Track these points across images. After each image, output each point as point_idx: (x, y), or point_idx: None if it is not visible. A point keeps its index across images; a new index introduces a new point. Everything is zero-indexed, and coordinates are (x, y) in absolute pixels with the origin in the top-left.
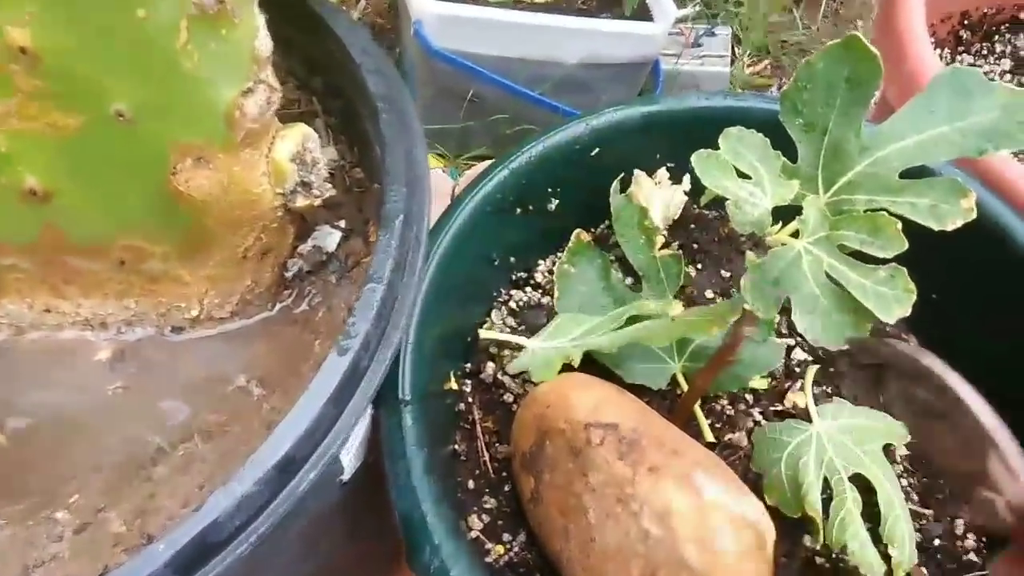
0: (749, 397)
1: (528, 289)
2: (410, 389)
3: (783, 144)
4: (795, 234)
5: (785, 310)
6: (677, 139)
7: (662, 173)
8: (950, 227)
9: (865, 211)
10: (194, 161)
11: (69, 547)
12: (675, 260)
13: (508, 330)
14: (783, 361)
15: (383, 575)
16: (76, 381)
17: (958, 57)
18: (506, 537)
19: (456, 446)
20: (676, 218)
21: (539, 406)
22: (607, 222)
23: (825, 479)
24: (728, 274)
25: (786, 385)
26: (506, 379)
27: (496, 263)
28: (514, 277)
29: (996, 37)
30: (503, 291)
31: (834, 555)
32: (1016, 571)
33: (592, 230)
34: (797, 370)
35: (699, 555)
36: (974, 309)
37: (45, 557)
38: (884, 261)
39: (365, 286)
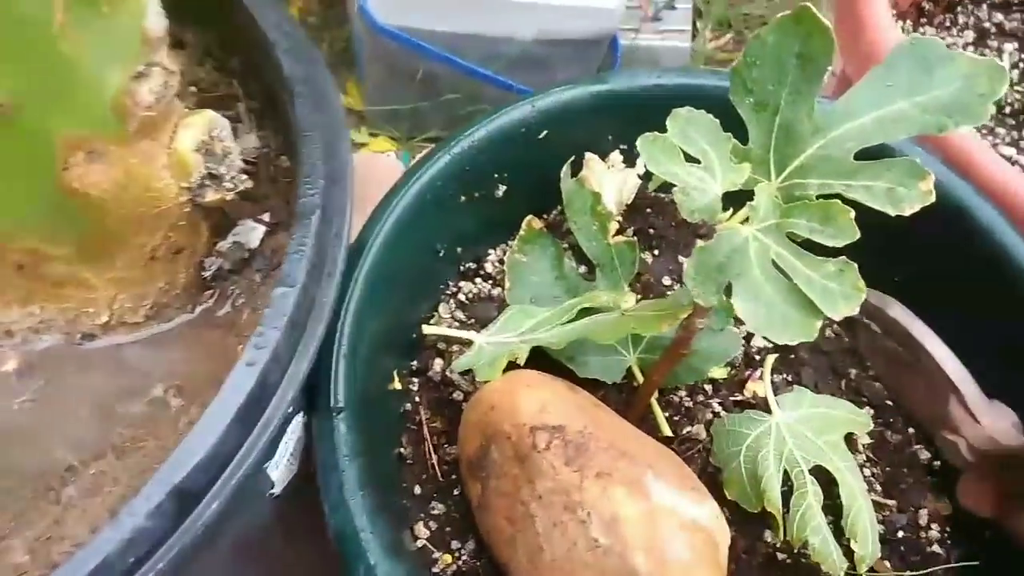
0: (708, 387)
1: (478, 280)
2: (344, 395)
3: (739, 124)
4: (747, 221)
5: None
6: (629, 119)
7: (615, 156)
8: (907, 212)
9: (818, 196)
10: (86, 155)
11: None
12: (630, 247)
13: (457, 324)
14: (742, 349)
15: None
16: None
17: (920, 29)
18: (455, 545)
19: (402, 449)
20: (630, 203)
21: (483, 408)
22: (560, 207)
23: (785, 472)
24: (686, 260)
25: (746, 374)
26: (455, 376)
27: (442, 254)
28: (462, 268)
29: (959, 8)
30: (451, 283)
31: (796, 550)
32: (975, 488)
33: (544, 216)
34: (757, 358)
35: (649, 564)
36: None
37: None
38: (839, 252)
39: (275, 290)
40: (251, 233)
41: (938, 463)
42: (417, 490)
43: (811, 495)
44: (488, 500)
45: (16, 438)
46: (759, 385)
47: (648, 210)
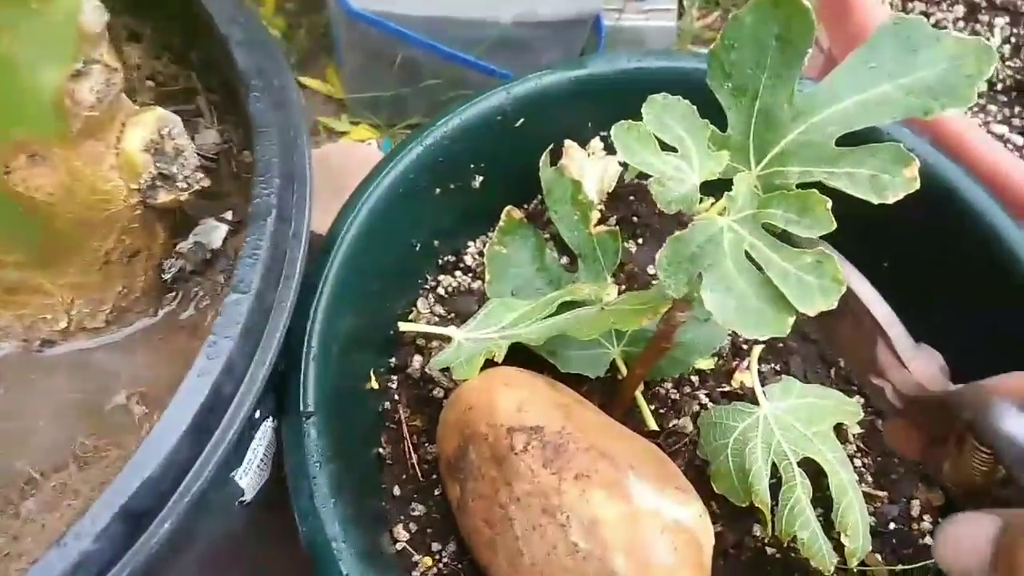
0: (695, 379)
1: (458, 274)
2: (315, 398)
3: (720, 110)
4: (725, 212)
5: None
6: (610, 105)
7: (595, 143)
8: (891, 200)
9: (798, 185)
10: (29, 158)
11: None
12: (612, 237)
13: (437, 319)
14: (729, 339)
15: None
16: None
17: (909, 4)
18: (435, 547)
19: (381, 449)
20: (612, 190)
21: (461, 407)
22: (540, 197)
23: (774, 465)
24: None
25: (734, 364)
26: (435, 373)
27: (418, 248)
28: (441, 261)
29: None
30: (429, 277)
31: (786, 545)
32: (902, 432)
33: (525, 206)
34: (745, 347)
35: (631, 568)
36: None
37: None
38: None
39: (228, 297)
40: (213, 233)
41: None
42: (397, 491)
43: (800, 488)
44: (467, 502)
45: None
46: (747, 375)
47: (631, 197)
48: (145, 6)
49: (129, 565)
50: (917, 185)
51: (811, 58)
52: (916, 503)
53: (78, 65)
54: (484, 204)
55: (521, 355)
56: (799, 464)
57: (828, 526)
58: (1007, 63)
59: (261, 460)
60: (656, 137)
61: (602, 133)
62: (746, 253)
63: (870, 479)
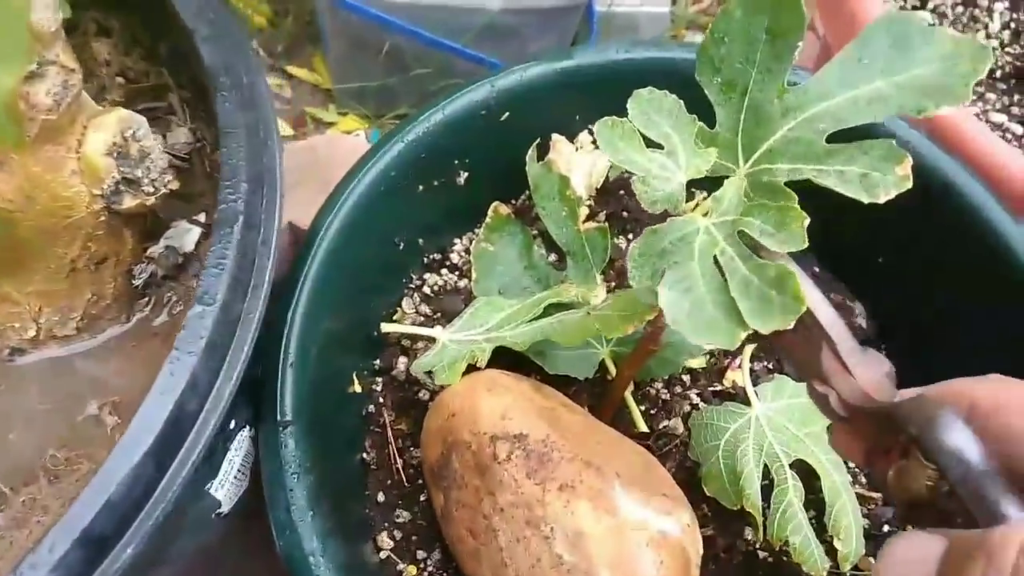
0: (686, 378)
1: (444, 272)
2: (292, 406)
3: (709, 102)
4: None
5: None
6: (598, 97)
7: (583, 137)
8: (882, 199)
9: (787, 183)
10: None
11: None
12: (601, 234)
13: (422, 318)
14: None
15: None
16: None
17: None
18: (420, 555)
19: (365, 454)
20: (601, 185)
21: (444, 414)
22: (528, 192)
23: (766, 466)
24: None
25: (726, 362)
26: (421, 375)
27: (402, 247)
28: (426, 260)
29: None
30: (415, 276)
31: (777, 549)
32: (847, 437)
33: (512, 202)
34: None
35: None
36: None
37: None
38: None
39: (191, 310)
40: (185, 236)
41: None
42: (381, 497)
43: (792, 491)
44: (451, 511)
45: None
46: (739, 374)
47: (621, 192)
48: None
49: None
50: (910, 184)
51: (803, 49)
52: None
53: (32, 67)
54: (470, 200)
55: (508, 355)
56: (792, 466)
57: (821, 529)
58: (1006, 49)
59: (238, 470)
60: (642, 133)
61: (590, 126)
62: (715, 258)
63: (864, 481)
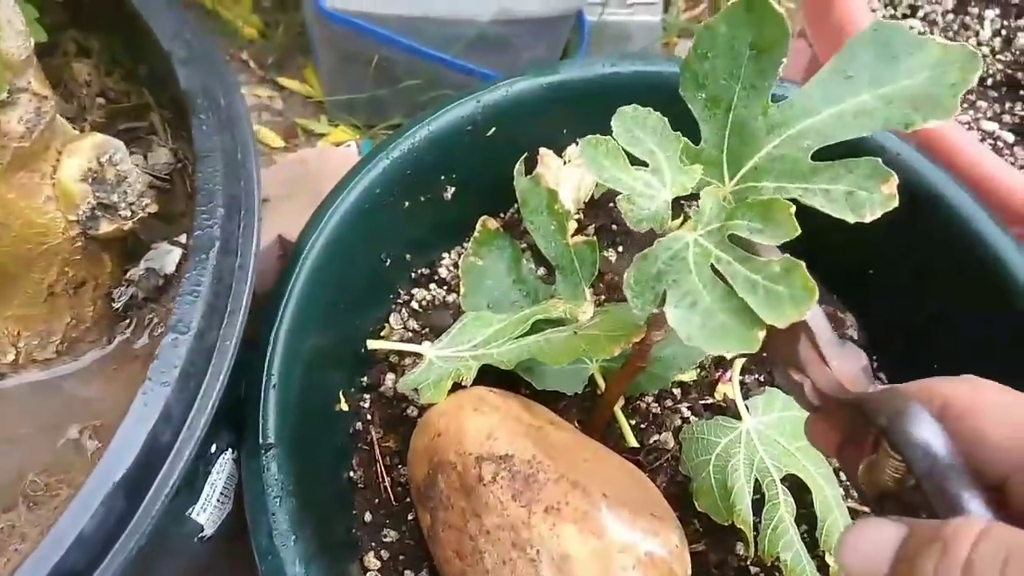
0: (677, 391)
1: (432, 287)
2: (275, 428)
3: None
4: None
5: None
6: (585, 110)
7: (571, 150)
8: (868, 218)
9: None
10: None
11: None
12: (590, 248)
13: (411, 334)
14: None
15: None
16: None
17: None
18: (408, 574)
19: (352, 473)
20: (588, 199)
21: (430, 433)
22: (516, 205)
23: (757, 481)
24: None
25: (716, 375)
26: (409, 391)
27: (389, 262)
28: (415, 275)
29: None
30: (403, 291)
31: (769, 564)
32: (821, 428)
33: (501, 216)
34: (728, 356)
35: None
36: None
37: None
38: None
39: (165, 339)
40: (166, 257)
41: None
42: (368, 517)
43: (783, 507)
44: (437, 532)
45: None
46: (730, 387)
47: (610, 204)
48: (90, 20)
49: None
50: (896, 203)
51: (789, 63)
52: None
53: (2, 95)
54: (458, 215)
55: (498, 370)
56: (783, 480)
57: (813, 543)
58: (997, 56)
59: (221, 493)
60: (627, 151)
61: (578, 140)
62: (712, 268)
63: (856, 495)
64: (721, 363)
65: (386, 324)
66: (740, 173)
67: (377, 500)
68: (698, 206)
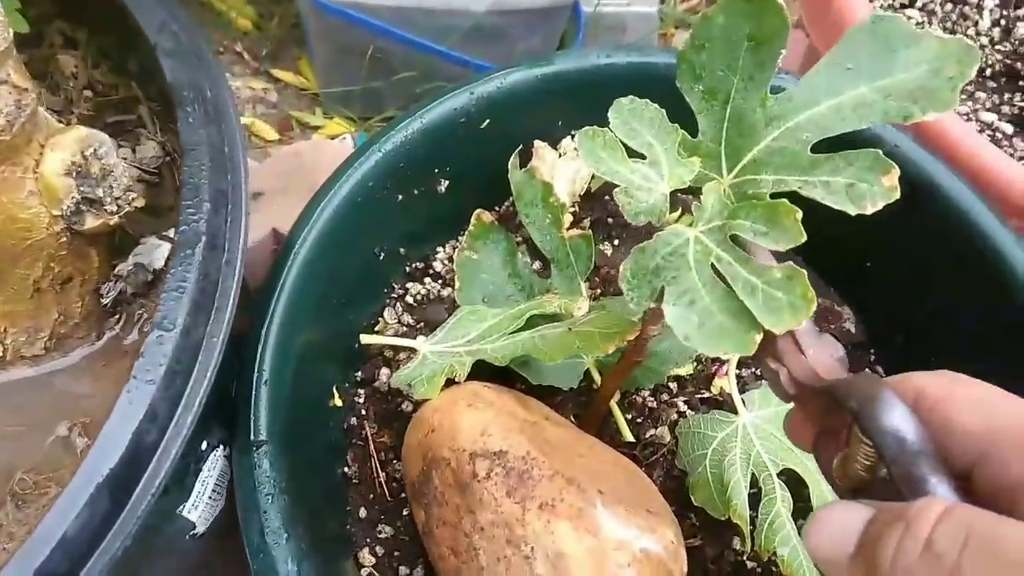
0: (673, 385)
1: (427, 280)
2: (267, 425)
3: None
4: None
5: None
6: (580, 102)
7: (566, 143)
8: (869, 210)
9: (772, 194)
10: None
11: None
12: (586, 242)
13: (405, 328)
14: None
15: None
16: None
17: None
18: (403, 571)
19: (347, 468)
20: (584, 192)
21: (424, 429)
22: (511, 198)
23: (754, 475)
24: None
25: (713, 369)
26: (403, 386)
27: (382, 256)
28: (409, 269)
29: None
30: (396, 285)
31: (765, 559)
32: (796, 423)
33: (496, 209)
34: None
35: None
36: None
37: None
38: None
39: (150, 336)
40: (155, 252)
41: None
42: (363, 513)
43: (779, 501)
44: (432, 528)
45: None
46: (726, 381)
47: (606, 197)
48: (77, 11)
49: None
50: (897, 194)
51: (788, 53)
52: None
53: None
54: (452, 209)
55: (493, 365)
56: (780, 475)
57: None
58: (996, 47)
59: (213, 490)
60: (624, 143)
61: (573, 132)
62: (712, 266)
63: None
64: (717, 357)
65: (380, 318)
66: (739, 166)
67: (372, 496)
68: (699, 201)
